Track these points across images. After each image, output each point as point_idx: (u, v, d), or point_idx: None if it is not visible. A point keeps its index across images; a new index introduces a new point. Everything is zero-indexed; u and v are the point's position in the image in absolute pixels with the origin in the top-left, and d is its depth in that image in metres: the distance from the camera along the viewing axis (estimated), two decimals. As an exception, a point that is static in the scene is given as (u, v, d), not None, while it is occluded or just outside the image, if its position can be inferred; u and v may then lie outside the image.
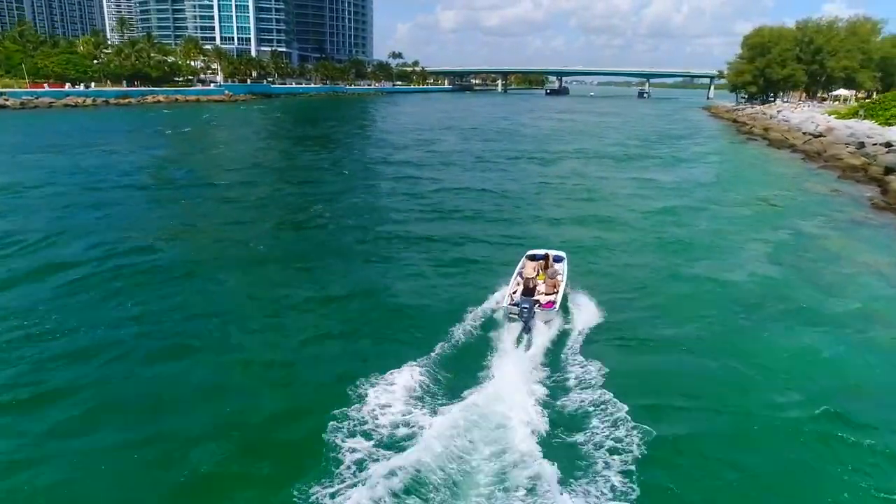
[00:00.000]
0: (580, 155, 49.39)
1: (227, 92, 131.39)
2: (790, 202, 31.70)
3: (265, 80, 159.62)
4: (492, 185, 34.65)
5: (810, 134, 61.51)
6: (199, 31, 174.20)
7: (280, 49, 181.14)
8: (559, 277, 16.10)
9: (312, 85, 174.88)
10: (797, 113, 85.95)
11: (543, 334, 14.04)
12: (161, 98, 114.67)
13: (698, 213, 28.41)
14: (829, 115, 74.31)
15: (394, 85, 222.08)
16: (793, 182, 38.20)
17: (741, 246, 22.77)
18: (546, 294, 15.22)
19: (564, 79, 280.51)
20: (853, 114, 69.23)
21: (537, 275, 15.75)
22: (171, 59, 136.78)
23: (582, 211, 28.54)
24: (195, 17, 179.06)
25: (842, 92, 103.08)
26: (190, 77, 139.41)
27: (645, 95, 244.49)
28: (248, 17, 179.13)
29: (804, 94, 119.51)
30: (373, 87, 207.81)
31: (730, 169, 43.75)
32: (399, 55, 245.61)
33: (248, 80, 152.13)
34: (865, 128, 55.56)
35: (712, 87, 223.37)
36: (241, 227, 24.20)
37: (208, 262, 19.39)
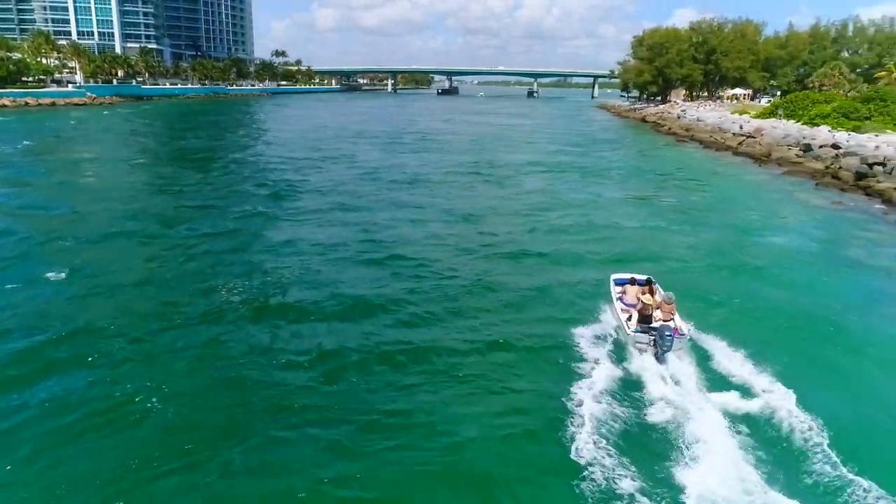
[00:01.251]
0: (532, 169, 42.94)
1: (88, 94, 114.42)
2: (810, 224, 27.51)
3: (134, 81, 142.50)
4: (461, 213, 27.59)
5: (741, 135, 60.00)
6: (50, 24, 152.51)
7: (150, 46, 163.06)
8: (675, 303, 13.41)
9: (190, 86, 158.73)
10: (705, 112, 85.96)
11: (679, 367, 12.04)
12: (6, 102, 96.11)
13: (743, 250, 22.72)
14: (742, 115, 73.93)
15: (279, 85, 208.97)
16: (782, 194, 34.39)
17: (833, 302, 17.15)
18: (664, 321, 12.82)
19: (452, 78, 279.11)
20: (769, 113, 68.84)
21: (648, 300, 13.70)
22: (16, 55, 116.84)
23: (603, 249, 21.92)
24: (44, 8, 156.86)
25: (738, 91, 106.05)
26: (42, 77, 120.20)
27: (535, 95, 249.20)
28: (110, 9, 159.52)
29: (686, 94, 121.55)
30: (257, 87, 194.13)
31: (702, 179, 39.22)
32: (283, 53, 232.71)
33: (114, 81, 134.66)
34: (795, 129, 54.43)
35: (597, 87, 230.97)
36: (88, 339, 13.47)
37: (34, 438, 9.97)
